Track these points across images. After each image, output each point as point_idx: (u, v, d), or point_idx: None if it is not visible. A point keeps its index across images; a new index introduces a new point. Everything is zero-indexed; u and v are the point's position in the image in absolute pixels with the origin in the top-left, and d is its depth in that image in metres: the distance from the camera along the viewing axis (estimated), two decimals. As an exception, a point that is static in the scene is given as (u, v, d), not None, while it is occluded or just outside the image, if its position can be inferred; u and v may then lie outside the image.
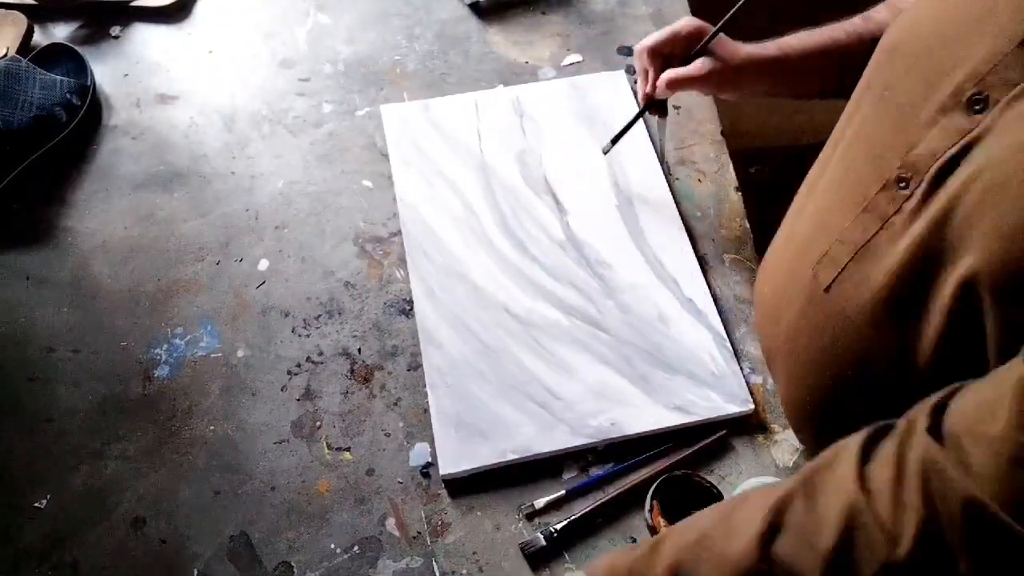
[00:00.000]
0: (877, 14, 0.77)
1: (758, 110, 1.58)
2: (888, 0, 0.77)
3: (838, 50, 0.76)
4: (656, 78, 0.81)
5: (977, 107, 0.53)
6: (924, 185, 0.56)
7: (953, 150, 0.53)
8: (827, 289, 0.64)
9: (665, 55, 0.81)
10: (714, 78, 0.78)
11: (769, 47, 0.79)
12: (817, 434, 0.74)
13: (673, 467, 0.73)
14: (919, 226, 0.56)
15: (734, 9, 0.77)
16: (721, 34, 0.79)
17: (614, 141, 0.88)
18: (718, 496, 0.70)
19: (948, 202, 0.53)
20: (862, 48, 0.73)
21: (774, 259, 0.78)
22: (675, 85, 0.79)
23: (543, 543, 0.70)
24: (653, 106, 0.85)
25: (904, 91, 0.59)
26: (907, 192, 0.57)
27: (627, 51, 1.04)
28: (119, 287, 0.85)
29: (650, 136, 0.95)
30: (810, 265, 0.67)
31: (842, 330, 0.64)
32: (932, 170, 0.55)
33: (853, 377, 0.64)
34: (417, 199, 0.90)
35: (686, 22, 0.80)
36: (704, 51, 0.79)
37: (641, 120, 0.96)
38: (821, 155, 0.74)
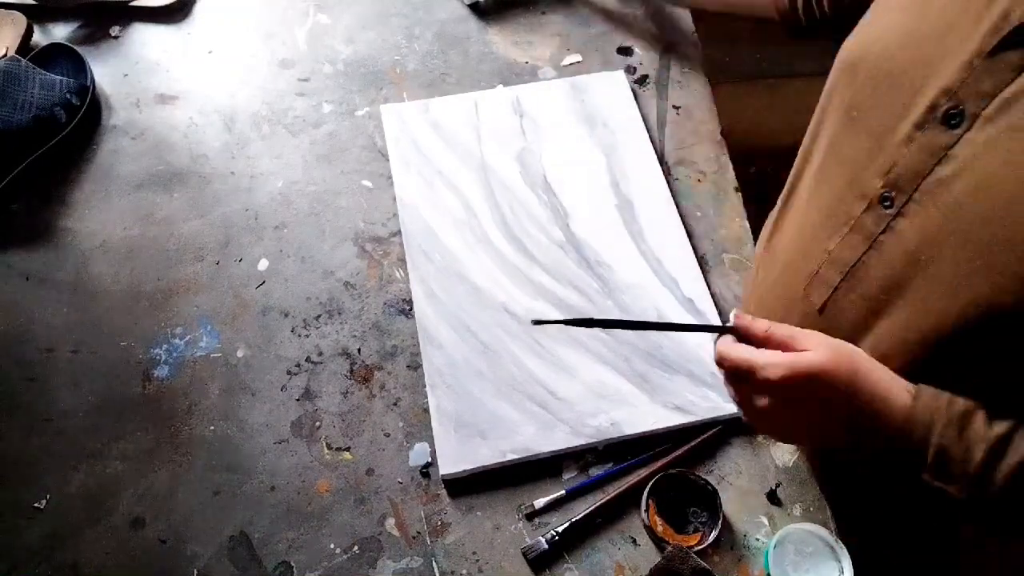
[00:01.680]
0: None
1: (758, 110, 1.58)
2: None
3: None
4: None
5: (953, 121, 0.53)
6: (910, 203, 0.56)
7: (938, 166, 0.54)
8: (821, 310, 0.65)
9: None
10: None
11: None
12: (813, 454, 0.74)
13: (669, 466, 0.73)
14: (911, 243, 0.56)
15: None
16: None
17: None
18: (714, 494, 0.70)
19: (940, 218, 0.53)
20: None
21: (760, 278, 0.78)
22: None
23: (545, 547, 0.70)
24: None
25: (874, 111, 0.59)
26: (892, 211, 0.57)
27: (627, 51, 1.04)
28: (119, 287, 0.85)
29: (650, 136, 0.95)
30: (799, 285, 0.67)
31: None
32: (918, 187, 0.55)
33: None
34: (417, 199, 0.90)
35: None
36: None
37: (641, 120, 0.96)
38: (792, 171, 0.74)
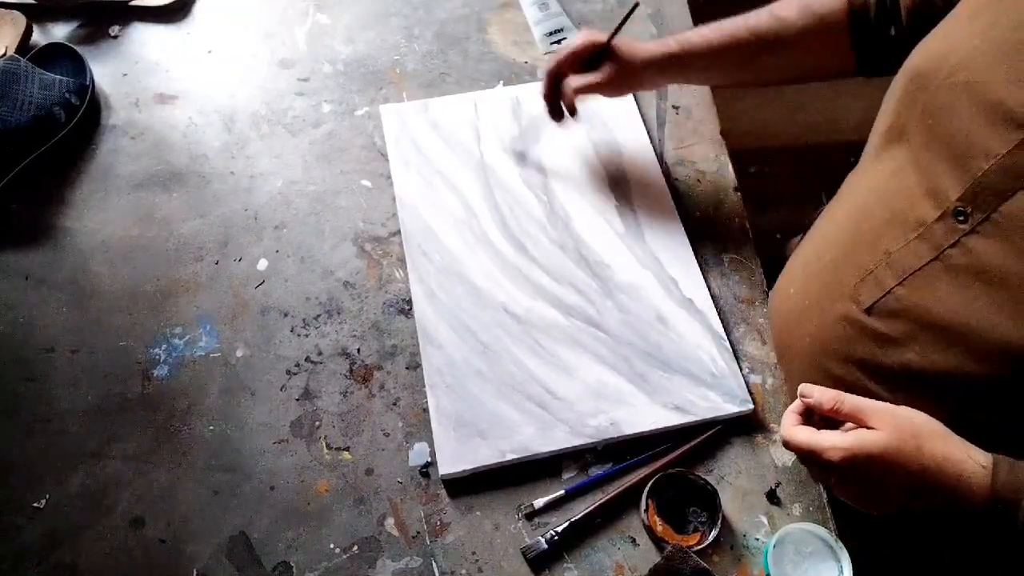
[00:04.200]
0: (784, 11, 0.76)
1: (758, 110, 1.58)
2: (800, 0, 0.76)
3: (738, 50, 0.77)
4: (549, 88, 0.84)
5: None
6: (986, 223, 0.55)
7: (1022, 190, 0.53)
8: (868, 310, 0.64)
9: (567, 74, 0.83)
10: (616, 81, 0.82)
11: (670, 44, 0.80)
12: None
13: (669, 466, 0.73)
14: (981, 262, 0.55)
15: (623, 19, 0.81)
16: (622, 38, 0.81)
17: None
18: (714, 494, 0.70)
19: (1019, 242, 0.53)
20: (763, 48, 0.75)
21: (802, 260, 0.77)
22: (580, 92, 0.81)
23: (545, 547, 0.70)
24: (554, 110, 0.87)
25: (953, 123, 0.58)
26: (966, 226, 0.57)
27: (626, 51, 1.04)
28: (118, 287, 0.85)
29: (650, 136, 0.95)
30: (849, 280, 0.67)
31: (882, 351, 0.63)
32: (997, 208, 0.54)
33: (883, 398, 0.63)
34: (416, 199, 0.90)
35: (582, 38, 0.82)
36: (605, 58, 0.82)
37: (641, 120, 0.96)
38: (860, 164, 0.73)
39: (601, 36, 0.81)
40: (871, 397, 0.64)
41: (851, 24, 0.73)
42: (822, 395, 0.59)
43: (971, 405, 0.60)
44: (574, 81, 0.82)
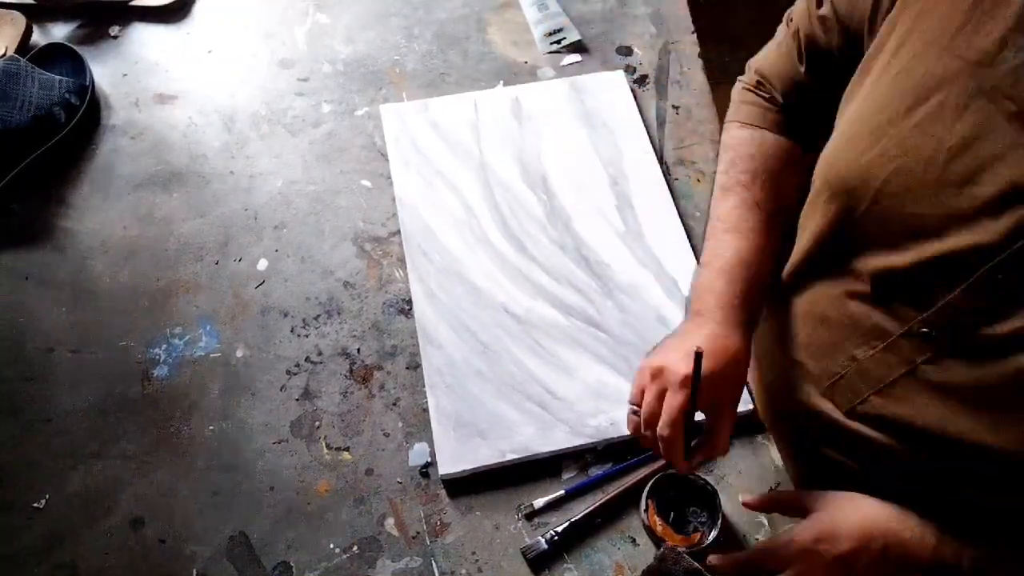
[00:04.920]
0: (760, 192, 0.70)
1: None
2: (747, 168, 0.70)
3: (770, 256, 0.69)
4: (681, 455, 0.64)
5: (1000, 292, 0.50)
6: (959, 347, 0.53)
7: (993, 324, 0.50)
8: (848, 414, 0.63)
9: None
10: (737, 396, 0.66)
11: (737, 317, 0.66)
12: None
13: (669, 465, 0.73)
14: (961, 382, 0.54)
15: (695, 383, 0.60)
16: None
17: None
18: (714, 494, 0.70)
19: (1001, 373, 0.51)
20: (778, 225, 0.70)
21: (764, 351, 0.74)
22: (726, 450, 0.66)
23: (545, 547, 0.70)
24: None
25: (887, 237, 0.56)
26: (933, 344, 0.55)
27: (626, 51, 1.04)
28: (118, 287, 0.85)
29: (649, 136, 0.95)
30: (819, 380, 0.65)
31: (869, 449, 0.62)
32: (971, 335, 0.52)
33: (885, 483, 0.63)
34: (416, 199, 0.90)
35: (683, 392, 0.61)
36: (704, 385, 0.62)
37: (641, 120, 0.96)
38: (797, 254, 0.70)
39: (686, 367, 0.61)
40: (873, 483, 0.63)
41: (797, 137, 0.72)
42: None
43: (968, 492, 0.59)
44: (722, 445, 0.64)
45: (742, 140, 0.72)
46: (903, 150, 0.54)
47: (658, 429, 0.61)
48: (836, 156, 0.61)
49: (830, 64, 0.65)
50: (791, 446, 0.74)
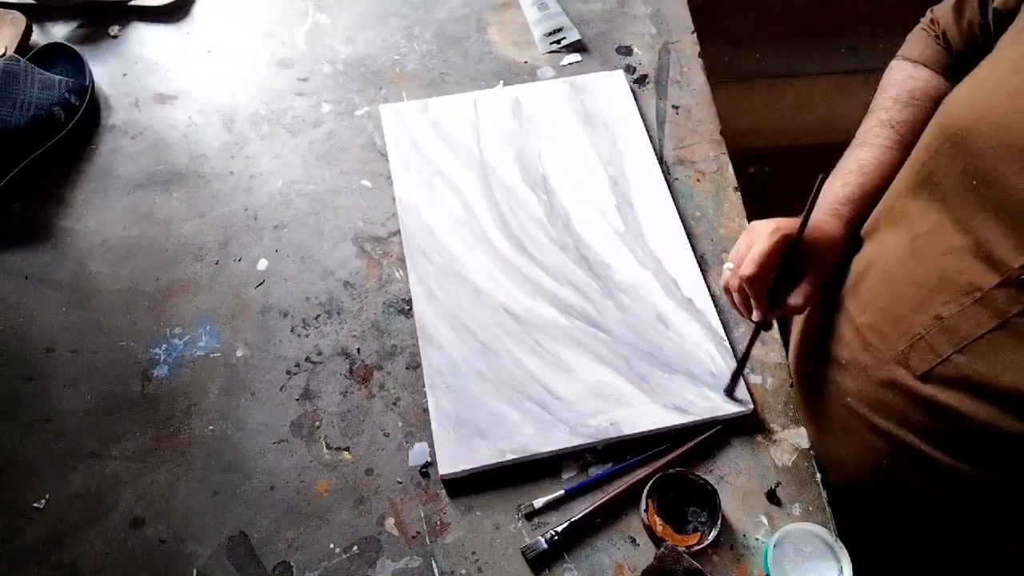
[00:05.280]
0: (899, 114, 0.73)
1: (758, 110, 1.58)
2: (893, 96, 0.74)
3: (891, 171, 0.72)
4: (766, 303, 0.70)
5: None
6: None
7: None
8: (923, 377, 0.62)
9: (767, 276, 0.69)
10: (828, 270, 0.72)
11: (842, 211, 0.72)
12: (874, 500, 0.73)
13: (669, 465, 0.73)
14: None
15: (808, 208, 0.67)
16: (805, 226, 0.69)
17: (734, 380, 0.77)
18: (714, 494, 0.70)
19: None
20: (906, 155, 0.70)
21: (831, 316, 0.74)
22: (808, 303, 0.70)
23: (544, 547, 0.70)
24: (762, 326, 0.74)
25: (1003, 183, 0.56)
26: None
27: (626, 51, 1.04)
28: (118, 287, 0.85)
29: (649, 136, 0.95)
30: (893, 345, 0.65)
31: (941, 418, 0.62)
32: None
33: (945, 463, 0.63)
34: (416, 199, 0.90)
35: (770, 239, 0.68)
36: (799, 252, 0.69)
37: (640, 120, 0.96)
38: (877, 215, 0.70)
39: (780, 224, 0.69)
40: (927, 460, 0.63)
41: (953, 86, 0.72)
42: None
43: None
44: (796, 299, 0.69)
45: (897, 70, 0.76)
46: None
47: (742, 268, 0.68)
48: (955, 97, 0.63)
49: (1001, 22, 0.66)
50: (847, 428, 0.72)
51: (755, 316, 0.70)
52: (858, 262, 0.74)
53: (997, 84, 0.58)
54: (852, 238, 0.73)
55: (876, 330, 0.68)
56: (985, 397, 0.58)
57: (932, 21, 0.76)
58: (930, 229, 0.63)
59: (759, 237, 0.68)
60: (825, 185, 0.71)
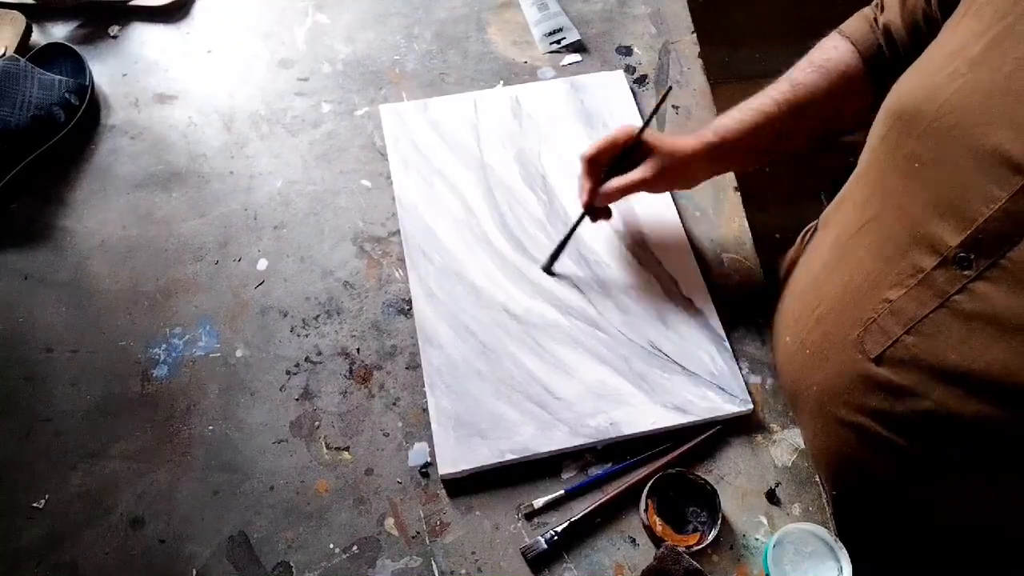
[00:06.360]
0: (804, 77, 0.76)
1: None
2: (809, 59, 0.77)
3: (771, 123, 0.76)
4: (594, 187, 0.80)
5: None
6: (994, 268, 0.54)
7: None
8: (876, 359, 0.63)
9: (604, 163, 0.80)
10: (663, 177, 0.78)
11: (707, 135, 0.78)
12: (844, 487, 0.73)
13: (668, 465, 0.73)
14: (994, 308, 0.54)
15: (656, 107, 0.79)
16: (653, 132, 0.79)
17: (553, 258, 0.84)
18: (714, 494, 0.70)
19: None
20: (793, 114, 0.75)
21: (797, 307, 0.76)
22: (622, 192, 0.78)
23: (544, 547, 0.70)
24: (593, 213, 0.83)
25: (942, 165, 0.57)
26: (971, 272, 0.56)
27: (626, 51, 1.04)
28: (117, 287, 0.85)
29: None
30: (849, 330, 0.66)
31: (896, 401, 0.62)
32: (1005, 255, 0.53)
33: (899, 444, 0.63)
34: (416, 199, 0.90)
35: (622, 130, 0.79)
36: (641, 152, 0.78)
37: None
38: (842, 209, 0.72)
39: (634, 128, 0.79)
40: (888, 445, 0.64)
41: (869, 69, 0.74)
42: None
43: (997, 450, 0.59)
44: (616, 181, 0.78)
45: (827, 39, 0.78)
46: (970, 67, 0.56)
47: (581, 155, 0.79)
48: (901, 83, 0.63)
49: (946, 7, 0.67)
50: (816, 418, 0.73)
51: (581, 198, 0.80)
52: (816, 251, 0.76)
53: (937, 68, 0.60)
54: (711, 163, 0.79)
55: (833, 317, 0.69)
56: (935, 376, 0.60)
57: (877, 5, 0.76)
58: (875, 215, 0.65)
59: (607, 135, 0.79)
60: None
